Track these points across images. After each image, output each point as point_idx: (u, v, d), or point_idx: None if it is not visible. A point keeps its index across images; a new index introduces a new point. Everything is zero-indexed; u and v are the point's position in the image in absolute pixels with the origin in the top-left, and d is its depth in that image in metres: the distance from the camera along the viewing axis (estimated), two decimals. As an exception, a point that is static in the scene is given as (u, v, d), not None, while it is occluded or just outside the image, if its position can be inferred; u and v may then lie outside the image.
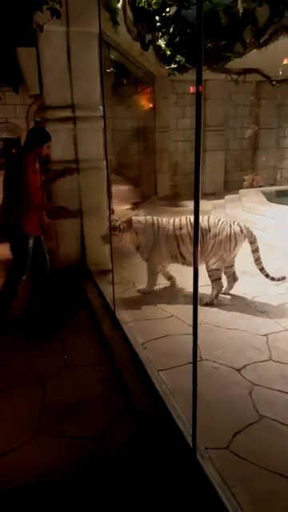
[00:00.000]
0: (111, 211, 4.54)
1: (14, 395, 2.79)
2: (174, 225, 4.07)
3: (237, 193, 8.93)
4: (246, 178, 10.75)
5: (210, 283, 3.94)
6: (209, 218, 4.02)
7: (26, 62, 4.36)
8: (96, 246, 4.90)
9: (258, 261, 3.93)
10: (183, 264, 4.08)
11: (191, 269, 1.71)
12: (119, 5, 5.79)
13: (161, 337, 3.34)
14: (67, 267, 4.86)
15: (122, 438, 2.31)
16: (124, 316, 3.62)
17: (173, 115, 10.81)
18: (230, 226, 3.88)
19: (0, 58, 5.30)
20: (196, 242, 1.70)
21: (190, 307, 1.80)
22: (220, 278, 3.94)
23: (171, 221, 4.13)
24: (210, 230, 3.88)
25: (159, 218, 4.19)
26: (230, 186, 11.02)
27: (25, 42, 4.73)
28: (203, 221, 3.93)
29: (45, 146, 3.62)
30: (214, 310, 3.82)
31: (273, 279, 3.95)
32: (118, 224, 4.10)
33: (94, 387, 2.82)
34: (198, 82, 1.51)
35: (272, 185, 10.94)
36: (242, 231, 3.87)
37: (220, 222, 3.92)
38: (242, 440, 2.18)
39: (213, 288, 3.94)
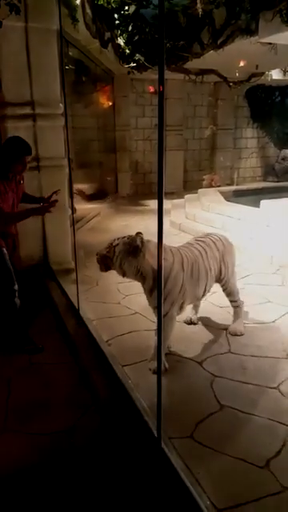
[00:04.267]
0: (73, 210, 4.50)
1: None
2: None
3: (196, 192, 9.15)
4: (205, 177, 11.00)
5: None
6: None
7: None
8: (58, 245, 4.88)
9: None
10: None
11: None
12: (78, 1, 5.76)
13: (125, 333, 3.40)
14: (29, 267, 4.78)
15: (88, 432, 2.36)
16: (88, 314, 3.64)
17: (132, 114, 10.83)
18: None
19: None
20: (160, 241, 1.76)
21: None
22: None
23: None
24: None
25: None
26: (189, 186, 11.24)
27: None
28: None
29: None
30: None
31: None
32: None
33: (59, 385, 2.84)
34: (161, 81, 1.54)
35: (229, 184, 11.27)
36: None
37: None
38: (204, 428, 2.29)
39: None
